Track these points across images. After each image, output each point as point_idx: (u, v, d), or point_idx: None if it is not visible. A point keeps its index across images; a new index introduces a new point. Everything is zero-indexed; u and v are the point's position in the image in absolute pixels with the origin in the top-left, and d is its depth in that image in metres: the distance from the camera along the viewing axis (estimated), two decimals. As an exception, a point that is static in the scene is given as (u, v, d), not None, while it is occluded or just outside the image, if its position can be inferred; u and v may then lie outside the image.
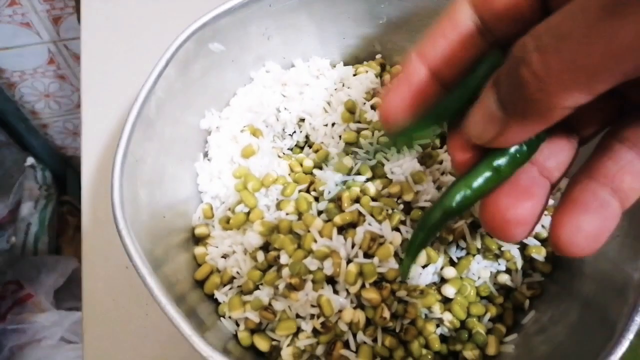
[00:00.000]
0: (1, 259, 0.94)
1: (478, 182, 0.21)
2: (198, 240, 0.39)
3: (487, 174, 0.20)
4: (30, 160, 1.00)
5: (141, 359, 0.40)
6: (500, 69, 0.17)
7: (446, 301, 0.36)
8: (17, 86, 0.94)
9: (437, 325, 0.36)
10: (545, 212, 0.38)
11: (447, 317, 0.35)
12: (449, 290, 0.35)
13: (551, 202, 0.39)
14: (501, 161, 0.20)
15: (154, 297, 0.28)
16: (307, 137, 0.44)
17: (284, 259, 0.34)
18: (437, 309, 0.35)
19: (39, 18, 0.82)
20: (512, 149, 0.19)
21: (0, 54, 0.86)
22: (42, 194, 0.99)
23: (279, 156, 0.43)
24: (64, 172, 1.11)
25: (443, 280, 0.37)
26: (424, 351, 0.35)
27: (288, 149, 0.44)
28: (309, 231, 0.35)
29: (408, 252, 0.27)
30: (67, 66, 0.92)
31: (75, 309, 0.89)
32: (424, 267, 0.36)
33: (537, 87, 0.14)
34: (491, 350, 0.35)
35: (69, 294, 0.92)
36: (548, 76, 0.14)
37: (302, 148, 0.44)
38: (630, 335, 0.29)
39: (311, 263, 0.34)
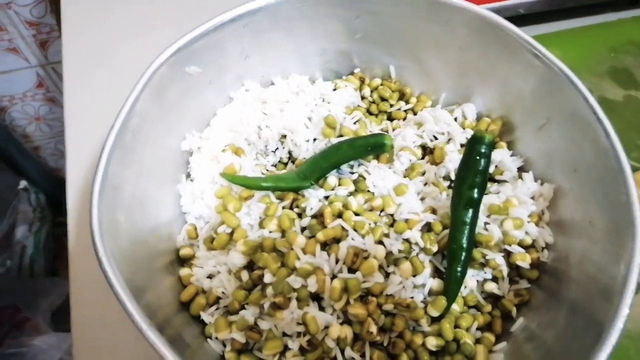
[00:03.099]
0: (-2, 283, 0.94)
1: None
2: (183, 261, 0.39)
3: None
4: (23, 183, 1.00)
5: (132, 383, 0.40)
6: None
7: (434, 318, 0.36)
8: (7, 111, 0.94)
9: (425, 336, 0.36)
10: (528, 220, 0.38)
11: (431, 342, 0.35)
12: (433, 312, 0.35)
13: (534, 208, 0.39)
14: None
15: (135, 324, 0.28)
16: (289, 153, 0.44)
17: (267, 277, 0.34)
18: (424, 322, 0.35)
19: (25, 43, 0.83)
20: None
21: (-11, 79, 0.87)
22: (37, 216, 0.99)
23: (262, 173, 0.43)
24: (59, 194, 1.11)
25: (430, 293, 0.37)
26: (413, 364, 0.35)
27: (272, 165, 0.44)
28: (292, 248, 0.35)
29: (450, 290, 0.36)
30: (56, 89, 0.93)
31: (73, 330, 0.88)
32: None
33: None
34: (480, 360, 0.35)
35: (66, 316, 0.92)
36: None
37: (285, 164, 0.44)
38: (615, 339, 0.29)
39: (295, 281, 0.34)
